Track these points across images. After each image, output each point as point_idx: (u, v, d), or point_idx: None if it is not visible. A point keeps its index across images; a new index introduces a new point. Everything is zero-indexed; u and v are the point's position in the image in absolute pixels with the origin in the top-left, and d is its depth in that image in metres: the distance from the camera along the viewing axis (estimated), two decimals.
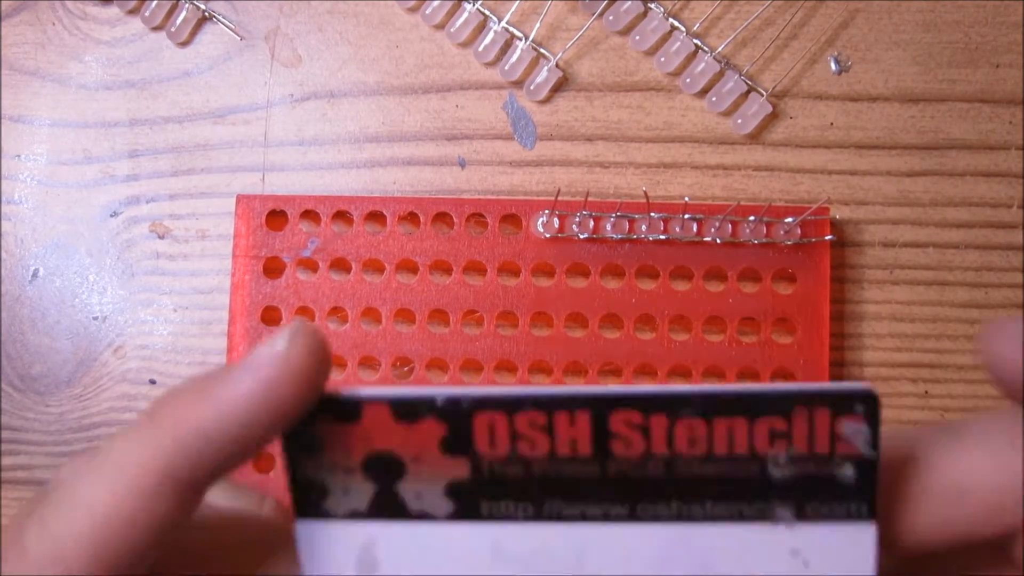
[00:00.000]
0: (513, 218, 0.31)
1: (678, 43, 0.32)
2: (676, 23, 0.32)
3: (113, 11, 0.33)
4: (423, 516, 0.18)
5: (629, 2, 0.32)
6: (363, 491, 0.18)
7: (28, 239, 0.33)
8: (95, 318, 0.33)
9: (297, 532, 0.18)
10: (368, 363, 0.31)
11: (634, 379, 0.31)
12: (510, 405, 0.17)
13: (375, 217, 0.31)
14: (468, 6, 0.32)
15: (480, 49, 0.32)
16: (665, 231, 0.31)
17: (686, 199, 0.31)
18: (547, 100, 0.32)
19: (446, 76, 0.33)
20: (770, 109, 0.32)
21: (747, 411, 0.17)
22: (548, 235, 0.31)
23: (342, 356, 0.31)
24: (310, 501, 0.18)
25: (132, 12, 0.33)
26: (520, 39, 0.32)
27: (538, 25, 0.32)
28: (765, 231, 0.31)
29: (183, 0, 0.33)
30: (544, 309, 0.31)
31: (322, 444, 0.17)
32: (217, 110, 0.33)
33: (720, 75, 0.32)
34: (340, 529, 0.18)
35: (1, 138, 0.33)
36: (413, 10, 0.33)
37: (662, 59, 0.32)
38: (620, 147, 0.32)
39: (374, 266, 0.31)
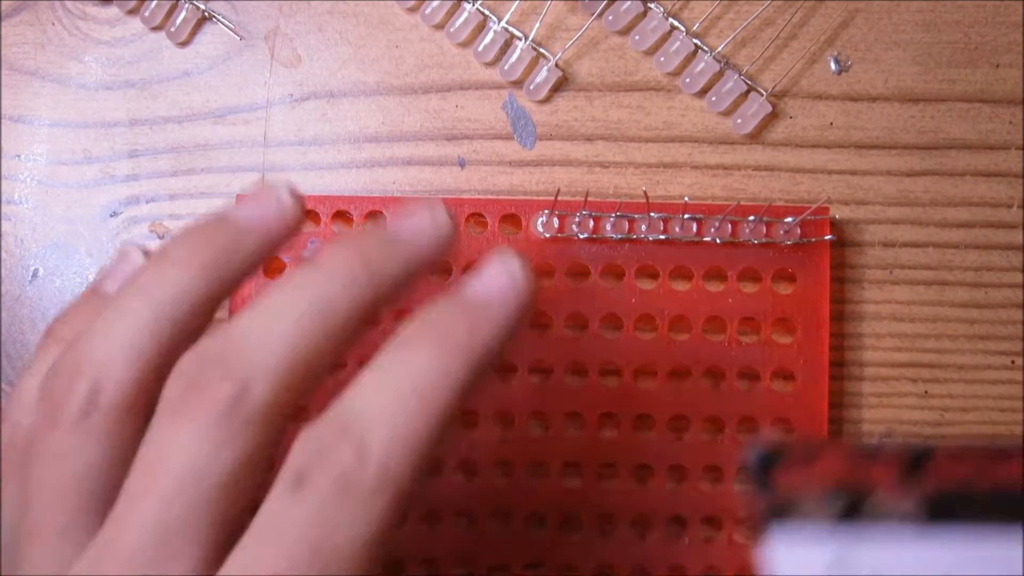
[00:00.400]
0: (513, 218, 0.31)
1: (678, 43, 0.32)
2: (676, 23, 0.32)
3: (113, 11, 0.33)
4: (893, 524, 0.19)
5: (629, 2, 0.32)
6: (831, 507, 0.19)
7: (28, 239, 0.33)
8: None
9: (770, 535, 0.19)
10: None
11: (634, 380, 0.31)
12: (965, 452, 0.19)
13: (375, 217, 0.31)
14: (468, 6, 0.32)
15: (480, 49, 0.32)
16: (665, 231, 0.31)
17: (686, 199, 0.31)
18: (547, 100, 0.32)
19: (446, 76, 0.33)
20: (770, 109, 0.32)
21: None
22: (548, 235, 0.31)
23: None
24: (777, 513, 0.19)
25: (132, 12, 0.33)
26: (520, 39, 0.32)
27: (538, 25, 0.32)
28: (765, 231, 0.31)
29: (183, 0, 0.33)
30: (544, 309, 0.31)
31: (782, 483, 0.19)
32: (217, 110, 0.33)
33: (720, 75, 0.32)
34: (810, 533, 0.19)
35: (1, 138, 0.33)
36: (413, 10, 0.33)
37: (662, 59, 0.32)
38: (620, 147, 0.32)
39: None
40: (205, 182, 0.33)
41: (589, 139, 0.32)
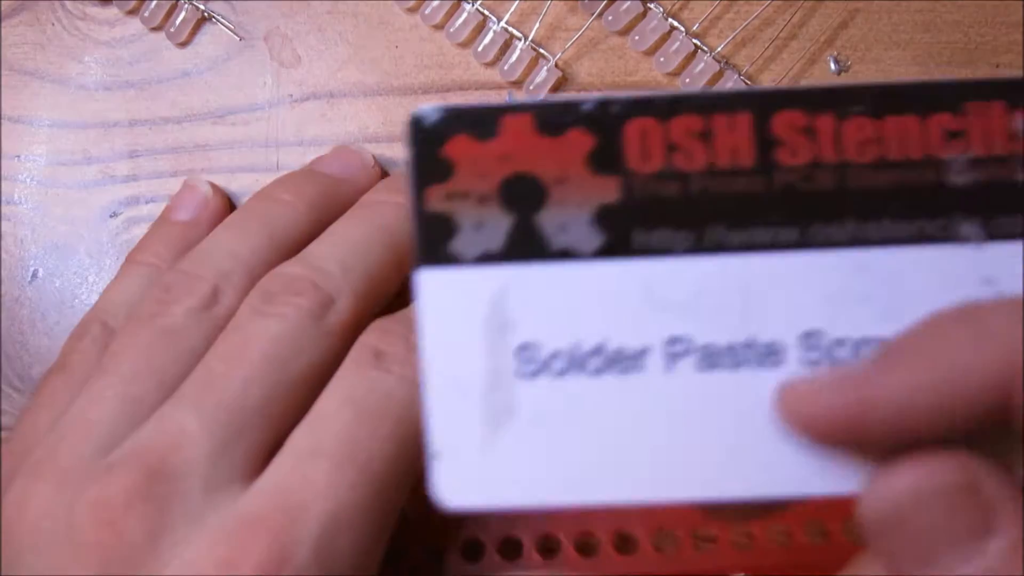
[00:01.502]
0: None
1: (677, 43, 0.32)
2: (675, 23, 0.32)
3: (113, 11, 0.33)
4: (565, 255, 0.16)
5: (628, 2, 0.32)
6: (498, 225, 0.16)
7: (28, 240, 0.33)
8: None
9: (418, 282, 0.16)
10: None
11: None
12: (665, 110, 0.16)
13: None
14: (468, 6, 0.32)
15: (479, 49, 0.32)
16: None
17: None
18: None
19: (446, 76, 0.33)
20: None
21: (918, 106, 0.16)
22: None
23: None
24: (436, 242, 0.16)
25: (131, 12, 0.33)
26: (519, 39, 0.32)
27: (537, 25, 0.32)
28: None
29: (183, 0, 0.33)
30: None
31: (454, 168, 0.16)
32: (217, 110, 0.33)
33: (720, 75, 0.32)
34: (469, 276, 0.16)
35: (1, 138, 0.33)
36: (413, 10, 0.33)
37: (661, 59, 0.32)
38: None
39: None
40: None
41: None
